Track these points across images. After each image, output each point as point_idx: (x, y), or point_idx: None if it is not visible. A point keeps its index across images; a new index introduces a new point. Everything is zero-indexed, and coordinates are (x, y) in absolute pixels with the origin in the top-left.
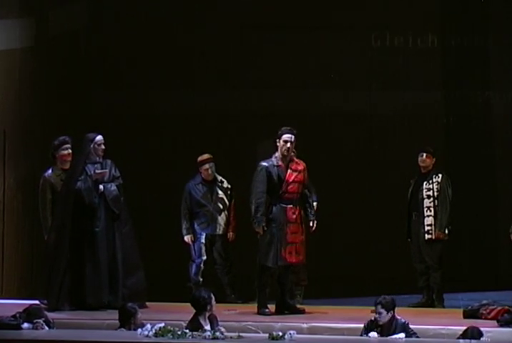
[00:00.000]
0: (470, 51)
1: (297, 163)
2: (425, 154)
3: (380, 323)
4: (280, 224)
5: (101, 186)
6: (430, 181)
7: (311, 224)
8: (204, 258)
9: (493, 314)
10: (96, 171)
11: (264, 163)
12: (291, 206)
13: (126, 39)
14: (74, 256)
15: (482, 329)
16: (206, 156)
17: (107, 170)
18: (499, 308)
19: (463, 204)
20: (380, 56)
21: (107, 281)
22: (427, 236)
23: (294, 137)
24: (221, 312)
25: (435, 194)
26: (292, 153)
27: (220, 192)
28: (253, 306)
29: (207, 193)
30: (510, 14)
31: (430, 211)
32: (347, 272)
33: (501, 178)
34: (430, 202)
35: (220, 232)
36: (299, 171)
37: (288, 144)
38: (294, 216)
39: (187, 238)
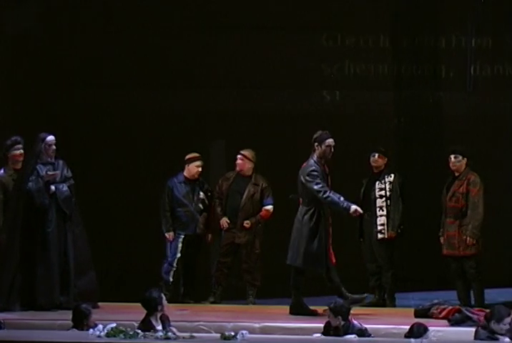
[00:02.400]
0: (421, 52)
1: (327, 167)
2: (377, 154)
3: (333, 325)
4: (327, 228)
5: (52, 187)
6: (383, 181)
7: None
8: (178, 255)
9: (444, 313)
10: (48, 173)
11: (316, 166)
12: (328, 209)
13: (84, 39)
14: (25, 257)
15: (433, 328)
16: (196, 153)
17: (58, 172)
18: (450, 307)
19: (415, 203)
20: (331, 56)
21: (59, 282)
22: (379, 236)
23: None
24: (173, 312)
25: (388, 193)
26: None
27: (201, 193)
28: (205, 306)
29: (189, 192)
30: (460, 14)
31: (383, 210)
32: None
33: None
34: (382, 202)
35: (199, 233)
36: (329, 175)
37: (332, 149)
38: (330, 219)
39: (169, 235)
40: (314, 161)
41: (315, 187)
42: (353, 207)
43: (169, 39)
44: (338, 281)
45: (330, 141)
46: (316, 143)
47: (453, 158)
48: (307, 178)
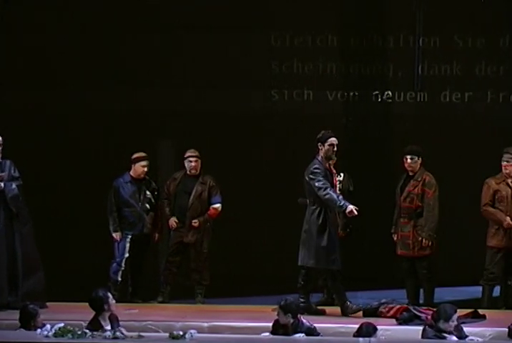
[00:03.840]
0: (369, 51)
1: (332, 167)
2: None
3: (281, 323)
4: (335, 228)
5: (1, 184)
6: None
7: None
8: (127, 255)
9: (392, 312)
10: None
11: (319, 166)
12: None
13: (29, 38)
14: None
15: (381, 327)
16: (142, 153)
17: (5, 173)
18: (398, 306)
19: (364, 202)
20: (279, 55)
21: (7, 282)
22: None
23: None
24: (121, 312)
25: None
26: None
27: (148, 192)
28: (154, 306)
29: (136, 192)
30: (408, 14)
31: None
32: (249, 271)
33: (399, 177)
34: None
35: (146, 232)
36: (334, 175)
37: (335, 148)
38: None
39: (116, 235)
40: (319, 161)
41: (316, 184)
42: (350, 207)
43: (117, 39)
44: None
45: (332, 139)
46: (319, 143)
47: (408, 159)
48: (310, 176)
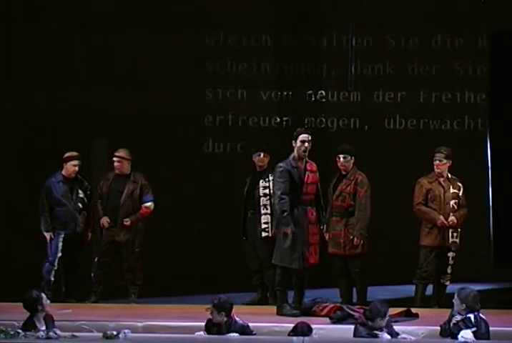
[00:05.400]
0: (302, 51)
1: (311, 164)
2: (262, 153)
3: (214, 321)
4: (302, 226)
5: None
6: (267, 180)
7: (322, 227)
8: (59, 255)
9: (325, 311)
10: None
11: (284, 165)
12: (310, 207)
13: None
14: None
15: (314, 326)
16: (74, 152)
17: None
18: (331, 305)
19: None
20: (213, 55)
21: None
22: (263, 234)
23: (311, 137)
24: (55, 312)
25: (272, 192)
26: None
27: (80, 191)
28: (87, 305)
29: (68, 192)
30: (341, 13)
31: (267, 209)
32: (183, 271)
33: (333, 176)
34: (266, 200)
35: (79, 232)
36: (314, 172)
37: (306, 144)
38: (313, 217)
39: (47, 235)
40: (290, 159)
41: (276, 186)
42: (285, 229)
43: (51, 39)
44: (304, 285)
45: (303, 136)
46: (293, 141)
47: (341, 158)
48: (274, 174)
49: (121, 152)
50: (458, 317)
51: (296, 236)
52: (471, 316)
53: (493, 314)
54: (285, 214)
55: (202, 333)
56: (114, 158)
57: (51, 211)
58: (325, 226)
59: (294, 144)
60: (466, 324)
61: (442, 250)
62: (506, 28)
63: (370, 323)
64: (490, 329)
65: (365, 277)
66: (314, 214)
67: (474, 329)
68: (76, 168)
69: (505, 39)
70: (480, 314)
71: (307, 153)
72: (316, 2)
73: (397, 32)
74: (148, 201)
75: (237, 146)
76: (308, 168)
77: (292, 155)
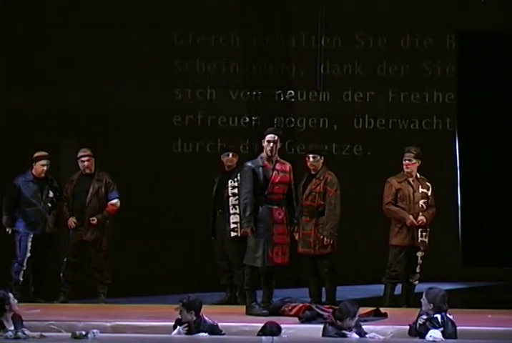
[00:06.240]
0: (271, 51)
1: (282, 164)
2: (230, 153)
3: (184, 321)
4: (267, 225)
5: None
6: (235, 179)
7: (292, 228)
8: (28, 255)
9: (294, 310)
10: None
11: (250, 164)
12: (277, 207)
13: None
14: None
15: (283, 325)
16: (43, 152)
17: None
18: (300, 305)
19: None
20: (182, 54)
21: None
22: (232, 234)
23: (278, 137)
24: (23, 312)
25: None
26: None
27: (50, 191)
28: (56, 305)
29: (38, 192)
30: (310, 14)
31: (236, 208)
32: (152, 271)
33: (302, 176)
34: (235, 200)
35: (48, 232)
36: (285, 172)
37: (271, 144)
38: (281, 217)
39: (9, 229)
40: (257, 159)
41: (242, 186)
42: (247, 226)
43: (16, 37)
44: (272, 284)
45: (269, 136)
46: (262, 140)
47: (311, 158)
48: (241, 175)
49: (88, 151)
50: (425, 317)
51: (258, 235)
52: (438, 316)
53: (461, 314)
54: (247, 213)
55: (177, 331)
56: (83, 158)
57: (21, 211)
58: (295, 226)
59: (263, 144)
60: (433, 324)
61: (412, 250)
62: (474, 28)
63: (339, 323)
64: (459, 328)
65: (334, 277)
66: (282, 214)
67: (441, 329)
68: (45, 168)
69: (473, 39)
70: (448, 314)
71: (274, 153)
72: (285, 2)
73: (366, 32)
74: (114, 199)
75: (206, 146)
76: (278, 167)
77: (261, 154)
